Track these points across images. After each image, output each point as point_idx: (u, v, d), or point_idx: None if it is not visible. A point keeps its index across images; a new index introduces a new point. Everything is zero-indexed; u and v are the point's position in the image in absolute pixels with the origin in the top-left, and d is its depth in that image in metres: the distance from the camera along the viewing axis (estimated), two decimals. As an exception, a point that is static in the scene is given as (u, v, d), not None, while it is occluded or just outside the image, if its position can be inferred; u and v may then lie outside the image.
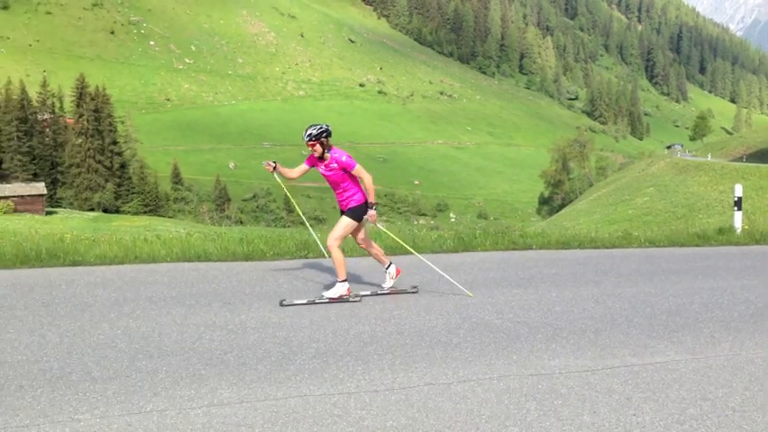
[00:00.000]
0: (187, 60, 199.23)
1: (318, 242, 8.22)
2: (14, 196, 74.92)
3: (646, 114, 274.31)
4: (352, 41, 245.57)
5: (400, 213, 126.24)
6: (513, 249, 10.80)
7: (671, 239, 12.74)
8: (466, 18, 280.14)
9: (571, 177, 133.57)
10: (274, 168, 7.37)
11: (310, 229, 8.83)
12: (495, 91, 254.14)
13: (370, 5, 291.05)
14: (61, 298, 6.65)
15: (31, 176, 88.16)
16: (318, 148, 7.03)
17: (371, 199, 7.15)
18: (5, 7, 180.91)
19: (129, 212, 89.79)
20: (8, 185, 79.20)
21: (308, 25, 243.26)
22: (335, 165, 7.06)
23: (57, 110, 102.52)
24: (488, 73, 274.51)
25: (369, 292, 7.41)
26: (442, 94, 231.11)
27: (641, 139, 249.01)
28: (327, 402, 4.41)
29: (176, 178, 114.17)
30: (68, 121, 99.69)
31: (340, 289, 7.06)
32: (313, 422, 4.11)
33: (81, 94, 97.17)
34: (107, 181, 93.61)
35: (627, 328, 6.35)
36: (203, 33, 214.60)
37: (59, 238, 9.13)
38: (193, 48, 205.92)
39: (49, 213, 76.33)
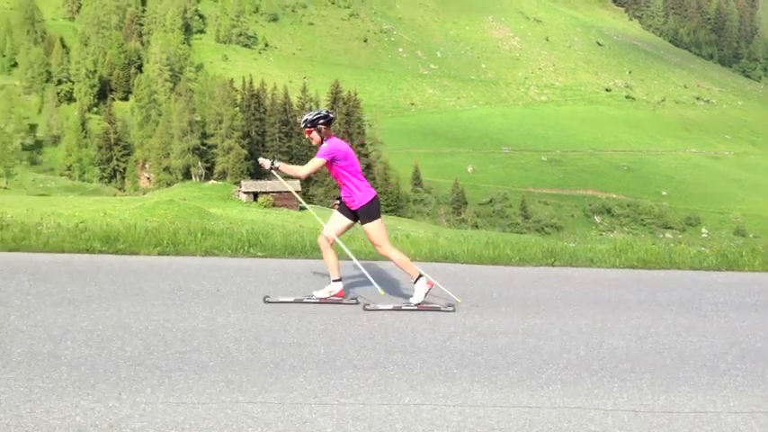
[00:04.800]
0: (432, 66, 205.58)
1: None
2: (274, 192, 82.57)
3: None
4: (600, 44, 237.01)
5: (644, 225, 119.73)
6: (789, 272, 9.67)
7: None
8: (729, 17, 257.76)
9: None
10: (339, 201, 6.70)
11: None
12: (761, 96, 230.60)
13: (622, 6, 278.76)
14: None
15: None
16: (315, 136, 6.37)
17: (283, 169, 6.49)
18: (275, 19, 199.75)
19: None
20: (269, 182, 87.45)
21: (553, 29, 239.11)
22: None
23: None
24: (753, 77, 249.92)
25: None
26: (698, 99, 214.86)
27: None
28: (583, 417, 4.27)
29: (416, 180, 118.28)
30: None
31: (420, 289, 6.42)
32: (569, 436, 4.00)
33: (335, 98, 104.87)
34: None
35: None
36: (449, 40, 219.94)
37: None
38: (439, 54, 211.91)
39: (301, 209, 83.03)
